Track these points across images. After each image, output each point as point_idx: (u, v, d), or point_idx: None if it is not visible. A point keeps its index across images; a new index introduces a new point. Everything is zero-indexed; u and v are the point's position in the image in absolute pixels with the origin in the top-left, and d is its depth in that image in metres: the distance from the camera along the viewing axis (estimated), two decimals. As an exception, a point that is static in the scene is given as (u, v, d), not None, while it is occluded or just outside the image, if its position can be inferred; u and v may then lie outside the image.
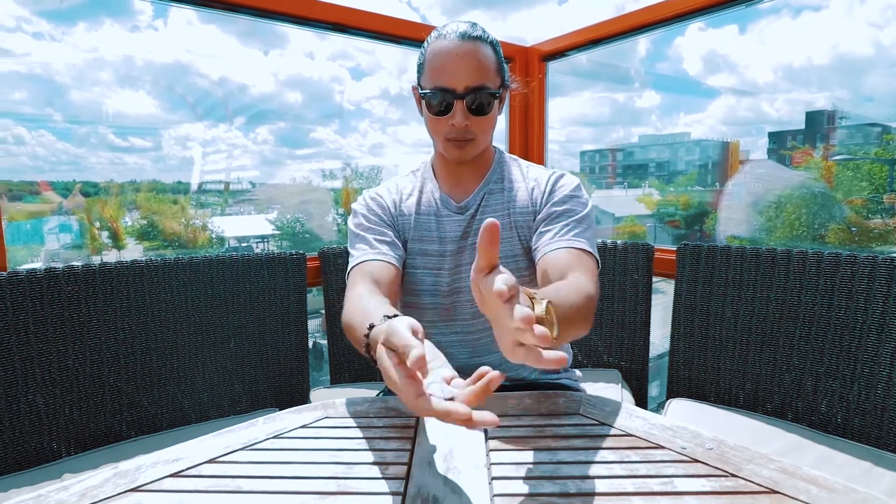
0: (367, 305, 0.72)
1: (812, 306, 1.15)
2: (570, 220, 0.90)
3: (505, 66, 0.93)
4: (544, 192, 0.95)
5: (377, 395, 0.94)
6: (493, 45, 0.91)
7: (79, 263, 1.10)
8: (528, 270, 0.93)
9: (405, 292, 0.98)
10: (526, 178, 0.98)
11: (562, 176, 0.97)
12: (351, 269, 0.89)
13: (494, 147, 1.02)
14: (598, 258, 0.89)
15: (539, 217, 0.93)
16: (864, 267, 1.08)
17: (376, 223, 0.94)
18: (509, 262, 0.93)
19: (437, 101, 0.88)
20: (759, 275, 1.22)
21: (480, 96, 0.87)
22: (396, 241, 0.94)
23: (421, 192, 0.99)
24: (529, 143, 1.97)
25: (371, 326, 0.62)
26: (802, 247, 1.18)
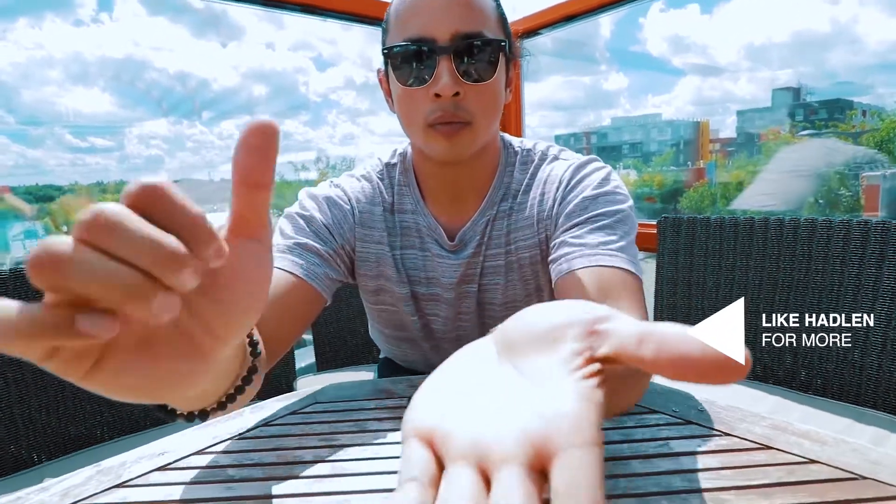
0: None
1: (790, 272, 1.17)
2: (595, 226, 0.60)
3: (509, 28, 0.64)
4: (553, 205, 0.65)
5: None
6: None
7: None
8: None
9: (371, 318, 0.82)
10: (541, 184, 0.67)
11: (582, 167, 0.66)
12: None
13: (501, 137, 0.71)
14: (640, 273, 0.59)
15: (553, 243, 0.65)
16: (840, 231, 1.10)
17: (314, 232, 0.66)
18: (508, 309, 0.68)
19: (410, 62, 0.58)
20: (738, 244, 1.24)
21: (476, 49, 0.57)
22: (330, 256, 0.66)
23: (396, 210, 0.69)
24: (506, 126, 1.95)
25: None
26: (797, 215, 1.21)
